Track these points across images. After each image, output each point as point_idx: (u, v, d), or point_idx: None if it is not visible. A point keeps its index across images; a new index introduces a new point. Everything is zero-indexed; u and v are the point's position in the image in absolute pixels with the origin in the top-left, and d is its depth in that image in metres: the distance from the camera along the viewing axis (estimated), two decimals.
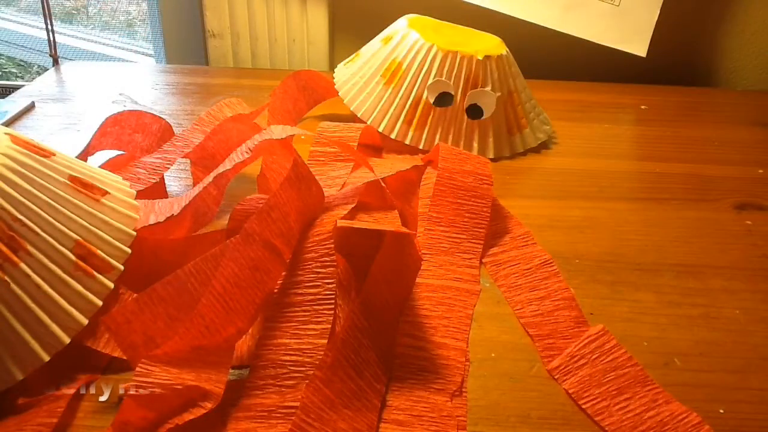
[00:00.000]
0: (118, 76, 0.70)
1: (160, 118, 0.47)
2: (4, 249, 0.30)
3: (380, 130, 0.52)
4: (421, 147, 0.51)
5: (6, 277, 0.30)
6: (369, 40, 0.57)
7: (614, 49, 0.64)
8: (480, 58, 0.51)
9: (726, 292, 0.38)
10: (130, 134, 0.46)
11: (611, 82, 0.69)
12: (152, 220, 0.36)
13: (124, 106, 0.61)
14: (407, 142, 0.51)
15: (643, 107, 0.64)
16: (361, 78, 0.54)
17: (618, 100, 0.65)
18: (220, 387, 0.28)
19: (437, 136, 0.51)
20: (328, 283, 0.31)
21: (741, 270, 0.40)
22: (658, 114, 0.63)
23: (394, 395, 0.30)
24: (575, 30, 0.65)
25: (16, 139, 0.34)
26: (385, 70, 0.53)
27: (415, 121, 0.51)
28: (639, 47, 0.64)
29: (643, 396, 0.30)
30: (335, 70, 0.58)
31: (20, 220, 0.31)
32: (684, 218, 0.44)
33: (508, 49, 0.54)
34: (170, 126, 0.47)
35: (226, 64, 0.76)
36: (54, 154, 0.35)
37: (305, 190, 0.35)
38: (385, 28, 0.57)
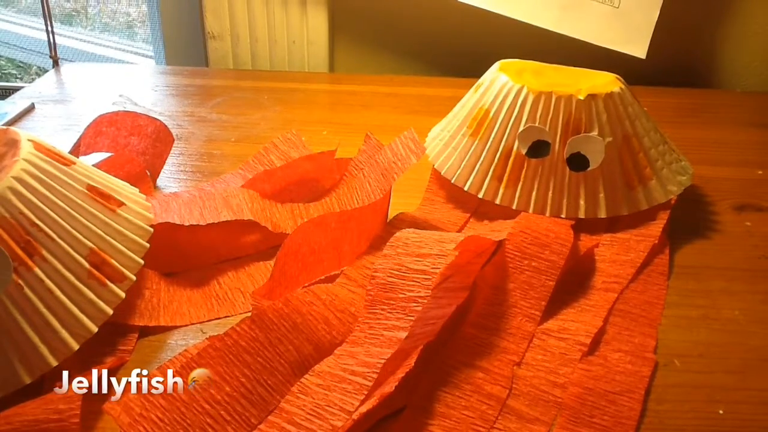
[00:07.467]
0: (118, 77, 0.70)
1: (155, 119, 0.47)
2: (20, 253, 0.30)
3: (466, 188, 0.44)
4: (514, 207, 0.43)
5: (20, 281, 0.30)
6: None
7: (614, 50, 0.65)
8: (581, 97, 0.42)
9: (725, 293, 0.38)
10: (126, 137, 0.46)
11: None
12: (176, 220, 0.38)
13: (124, 107, 0.61)
14: (498, 201, 0.43)
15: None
16: (448, 132, 0.47)
17: None
18: None
19: (533, 193, 0.43)
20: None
21: (740, 271, 0.40)
22: (658, 115, 0.62)
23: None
24: (574, 31, 0.65)
25: (38, 146, 0.34)
26: (471, 120, 0.45)
27: (506, 176, 0.43)
28: (638, 49, 0.64)
29: None
30: (432, 128, 0.50)
31: (37, 225, 0.31)
32: (683, 219, 0.44)
33: (624, 86, 0.44)
34: (165, 126, 0.47)
35: (226, 66, 0.76)
36: (74, 163, 0.35)
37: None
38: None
